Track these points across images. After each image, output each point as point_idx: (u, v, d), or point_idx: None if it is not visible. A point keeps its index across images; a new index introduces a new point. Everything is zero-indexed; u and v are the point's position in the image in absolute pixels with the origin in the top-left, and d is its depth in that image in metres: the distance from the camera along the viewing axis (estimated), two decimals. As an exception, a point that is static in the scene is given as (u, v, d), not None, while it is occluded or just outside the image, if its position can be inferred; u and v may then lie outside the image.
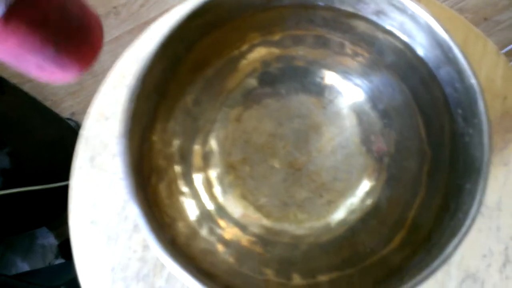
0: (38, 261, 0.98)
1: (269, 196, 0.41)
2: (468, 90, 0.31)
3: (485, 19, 1.10)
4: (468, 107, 0.32)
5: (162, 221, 0.35)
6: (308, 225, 0.40)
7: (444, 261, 0.29)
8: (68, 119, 1.00)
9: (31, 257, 0.98)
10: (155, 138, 0.36)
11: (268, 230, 0.39)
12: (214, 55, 0.38)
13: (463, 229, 0.29)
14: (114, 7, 1.07)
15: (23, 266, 0.96)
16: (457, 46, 0.31)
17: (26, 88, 1.02)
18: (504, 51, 1.08)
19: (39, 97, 0.99)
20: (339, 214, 0.40)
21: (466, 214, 0.30)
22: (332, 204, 0.41)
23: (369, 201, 0.39)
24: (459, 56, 0.31)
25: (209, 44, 0.37)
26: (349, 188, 0.41)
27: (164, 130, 0.37)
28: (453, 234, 0.30)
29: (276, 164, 0.42)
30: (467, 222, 0.29)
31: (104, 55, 1.04)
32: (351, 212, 0.40)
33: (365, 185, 0.40)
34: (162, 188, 0.37)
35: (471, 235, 0.41)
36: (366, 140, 0.41)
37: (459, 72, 0.32)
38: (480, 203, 0.29)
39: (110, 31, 1.06)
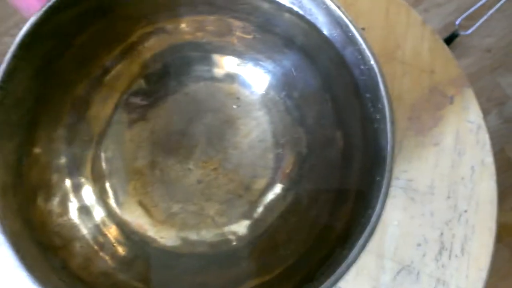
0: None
1: (183, 202, 0.37)
2: (370, 72, 0.28)
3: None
4: (373, 91, 0.29)
5: (51, 244, 0.31)
6: (227, 230, 0.37)
7: (350, 265, 0.26)
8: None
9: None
10: (38, 150, 0.32)
11: (182, 241, 0.36)
12: (101, 48, 0.34)
13: (368, 229, 0.26)
14: None
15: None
16: (353, 24, 0.27)
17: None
18: (465, 15, 1.05)
19: None
20: (259, 214, 0.37)
21: (373, 210, 0.27)
22: (252, 204, 0.37)
23: (289, 197, 0.36)
24: (356, 35, 0.28)
25: (94, 37, 0.33)
26: (269, 185, 0.37)
27: (51, 139, 0.33)
28: (360, 233, 0.27)
29: (190, 165, 0.38)
30: (372, 220, 0.26)
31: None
32: (272, 210, 0.37)
33: (285, 180, 0.37)
34: (53, 206, 0.33)
35: (404, 224, 0.38)
36: (283, 132, 0.38)
37: (360, 52, 0.28)
38: (385, 199, 0.26)
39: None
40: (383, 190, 0.26)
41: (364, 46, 0.27)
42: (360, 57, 0.29)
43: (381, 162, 0.28)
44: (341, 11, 0.28)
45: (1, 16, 1.00)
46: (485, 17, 1.03)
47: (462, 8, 1.08)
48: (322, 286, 0.27)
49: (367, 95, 0.30)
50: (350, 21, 0.27)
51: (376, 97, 0.28)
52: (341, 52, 0.32)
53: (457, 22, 1.05)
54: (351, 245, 0.27)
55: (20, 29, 0.94)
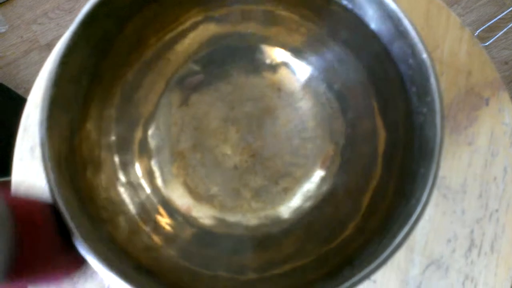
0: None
1: (221, 185, 0.38)
2: (420, 66, 0.29)
3: (467, -7, 1.07)
4: (421, 85, 0.29)
5: (98, 217, 0.32)
6: (263, 215, 0.38)
7: (393, 252, 0.27)
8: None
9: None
10: (89, 126, 0.34)
11: (220, 221, 0.37)
12: (152, 34, 0.35)
13: (413, 218, 0.26)
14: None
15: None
16: (407, 17, 0.28)
17: (-3, 76, 0.98)
18: (484, 27, 1.06)
19: (11, 85, 0.95)
20: (295, 201, 0.38)
21: (418, 200, 0.28)
22: (288, 192, 0.38)
23: (325, 187, 0.37)
24: (409, 29, 0.28)
25: (145, 22, 0.34)
26: (306, 174, 0.38)
27: (101, 117, 0.35)
28: (404, 223, 0.28)
29: (229, 151, 0.39)
30: (418, 210, 0.27)
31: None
32: (307, 199, 0.38)
33: (322, 170, 0.38)
34: (101, 180, 0.34)
35: (435, 220, 0.39)
36: (322, 123, 0.38)
37: (411, 46, 0.29)
38: (433, 189, 0.27)
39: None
40: (430, 180, 0.27)
41: (417, 39, 0.28)
42: (410, 51, 0.30)
43: (427, 155, 0.28)
44: (396, 4, 0.28)
45: (30, 4, 1.02)
46: (504, 30, 1.04)
47: (481, 20, 1.08)
48: (364, 270, 0.27)
49: (413, 89, 0.31)
50: (405, 15, 0.28)
51: (424, 91, 0.29)
52: (387, 46, 0.33)
53: (475, 34, 1.05)
54: (393, 234, 0.28)
55: (49, 18, 0.95)
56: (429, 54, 0.28)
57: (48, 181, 0.27)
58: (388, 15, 0.30)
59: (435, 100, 0.28)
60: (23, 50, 1.01)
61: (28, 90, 1.01)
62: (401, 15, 0.28)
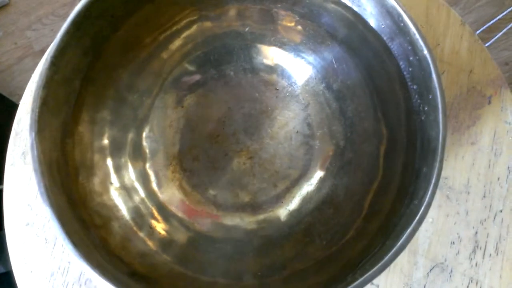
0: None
1: (219, 188, 0.37)
2: (421, 63, 0.28)
3: (466, -5, 1.07)
4: (423, 82, 0.28)
5: (91, 222, 0.31)
6: (262, 218, 0.37)
7: (396, 254, 0.26)
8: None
9: (6, 258, 0.94)
10: (82, 129, 0.33)
11: (217, 226, 0.36)
12: (146, 34, 0.34)
13: (416, 219, 0.25)
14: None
15: (-2, 268, 0.92)
16: (407, 13, 0.27)
17: (-9, 83, 0.97)
18: (483, 28, 1.05)
19: (5, 93, 0.94)
20: (294, 204, 0.37)
21: (421, 201, 0.27)
22: (287, 194, 0.37)
23: (325, 189, 0.36)
24: (409, 25, 0.27)
25: (140, 21, 0.33)
26: (305, 176, 0.37)
27: (93, 120, 0.34)
28: (407, 224, 0.27)
29: (226, 154, 0.38)
30: (421, 210, 0.26)
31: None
32: (307, 201, 0.37)
33: (321, 172, 0.37)
34: (94, 185, 0.33)
35: (438, 221, 0.38)
36: (321, 124, 0.37)
37: (411, 43, 0.28)
38: (436, 188, 0.26)
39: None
40: (433, 179, 0.26)
41: (417, 35, 0.27)
42: (410, 47, 0.29)
43: (429, 154, 0.28)
44: (395, 0, 0.28)
45: (24, 10, 1.02)
46: (504, 31, 1.03)
47: (481, 21, 1.07)
48: (366, 274, 0.26)
49: (414, 87, 0.30)
50: (404, 11, 0.27)
51: (426, 88, 0.28)
52: (387, 44, 0.32)
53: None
54: (396, 236, 0.27)
55: (43, 24, 0.95)
56: (430, 50, 0.27)
57: (39, 185, 0.26)
58: (388, 11, 0.29)
59: (437, 98, 0.27)
60: (17, 56, 1.00)
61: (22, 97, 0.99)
62: (401, 11, 0.28)
